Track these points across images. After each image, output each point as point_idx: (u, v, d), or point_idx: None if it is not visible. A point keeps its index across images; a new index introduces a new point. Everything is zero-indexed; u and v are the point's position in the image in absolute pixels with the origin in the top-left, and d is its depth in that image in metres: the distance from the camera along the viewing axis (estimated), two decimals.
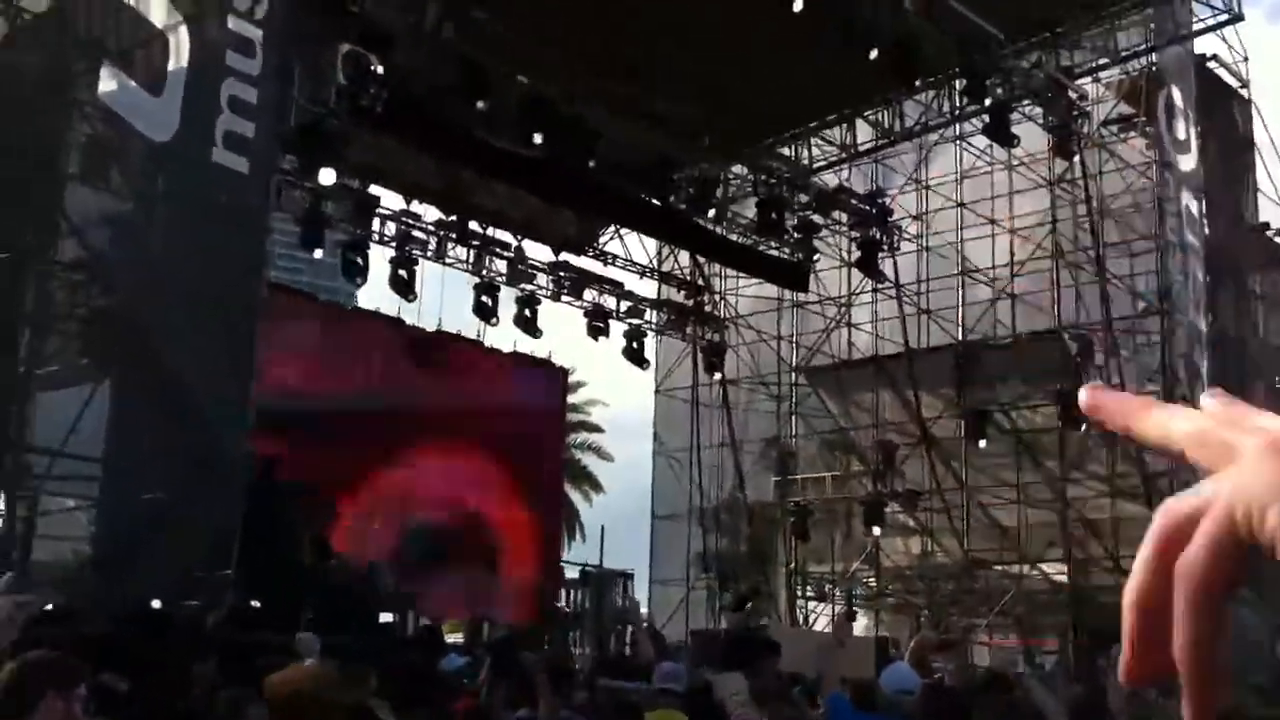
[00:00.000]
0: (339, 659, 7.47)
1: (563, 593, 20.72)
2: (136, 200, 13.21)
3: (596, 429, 37.19)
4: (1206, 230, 22.69)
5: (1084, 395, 0.73)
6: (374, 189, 22.27)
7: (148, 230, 13.02)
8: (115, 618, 9.35)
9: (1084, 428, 22.03)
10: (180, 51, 12.66)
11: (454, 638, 15.85)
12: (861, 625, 25.02)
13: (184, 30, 12.75)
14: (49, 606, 9.06)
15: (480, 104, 17.67)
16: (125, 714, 5.04)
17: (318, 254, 21.95)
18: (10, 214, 12.37)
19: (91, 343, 12.99)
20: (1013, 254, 24.41)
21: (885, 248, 24.13)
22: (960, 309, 25.22)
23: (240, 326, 12.77)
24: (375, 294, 22.93)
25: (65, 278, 13.27)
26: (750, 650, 6.67)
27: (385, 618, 12.48)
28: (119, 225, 13.17)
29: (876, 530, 24.60)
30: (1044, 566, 23.35)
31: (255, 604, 11.14)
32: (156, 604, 10.13)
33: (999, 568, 24.29)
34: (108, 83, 12.80)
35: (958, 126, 23.83)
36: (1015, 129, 20.57)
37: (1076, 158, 21.89)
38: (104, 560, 11.35)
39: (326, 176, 17.11)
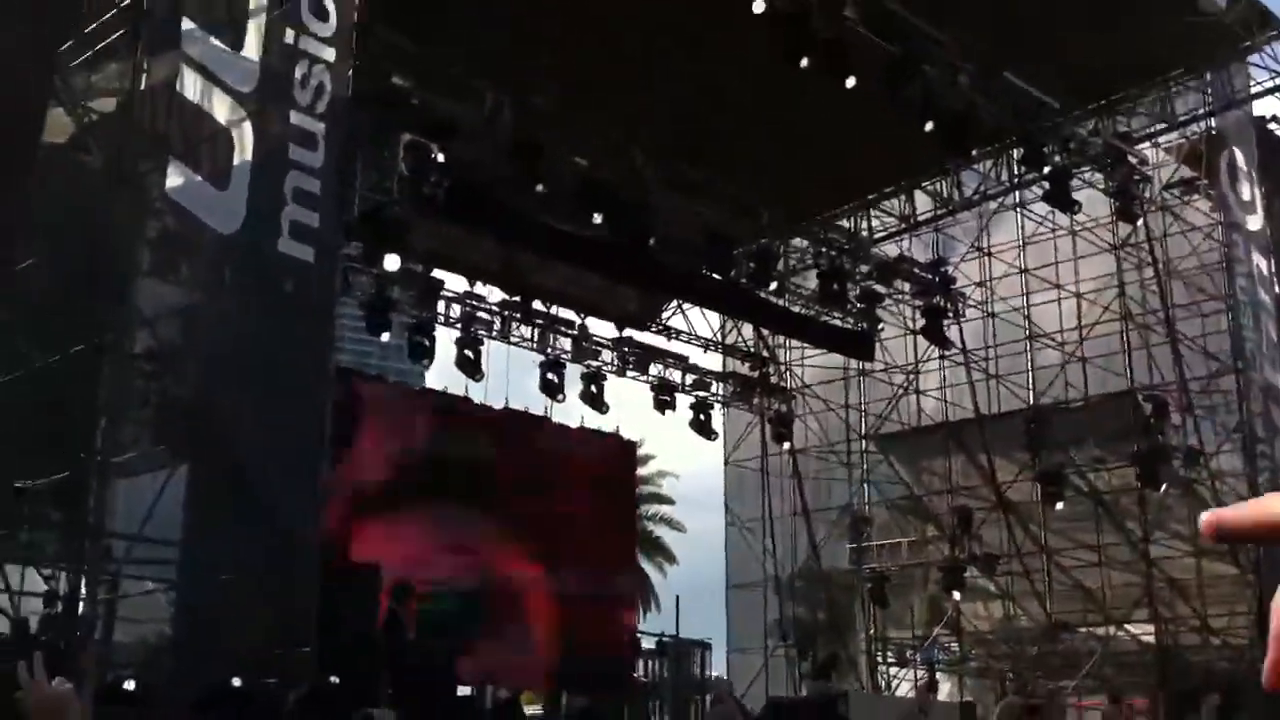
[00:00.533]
0: None
1: (640, 663, 20.62)
2: (205, 291, 13.45)
3: (667, 500, 37.28)
4: (1277, 288, 22.52)
5: (1203, 521, 0.77)
6: (438, 272, 22.63)
7: (217, 320, 13.27)
8: (198, 697, 9.49)
9: (1164, 487, 21.77)
10: (244, 146, 12.97)
11: (533, 709, 15.86)
12: (945, 691, 24.62)
13: (248, 126, 13.07)
14: (129, 686, 9.23)
15: (540, 187, 17.94)
16: None
17: (385, 337, 22.26)
18: (85, 308, 12.71)
19: (165, 430, 13.21)
20: (1080, 317, 24.27)
21: (950, 314, 24.09)
22: (1030, 373, 25.13)
23: (310, 410, 12.92)
24: (443, 375, 23.21)
25: (139, 368, 13.58)
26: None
27: (464, 691, 12.45)
28: (189, 316, 13.44)
29: (956, 595, 24.32)
30: (1130, 627, 22.93)
31: (334, 680, 11.19)
32: (237, 682, 10.23)
33: (1084, 630, 23.92)
34: (174, 178, 13.11)
35: (1017, 194, 23.89)
36: (1076, 194, 20.59)
37: (1140, 221, 21.84)
38: (183, 640, 11.48)
39: (391, 262, 17.44)
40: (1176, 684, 20.44)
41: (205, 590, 11.64)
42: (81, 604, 11.00)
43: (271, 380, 12.46)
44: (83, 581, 11.06)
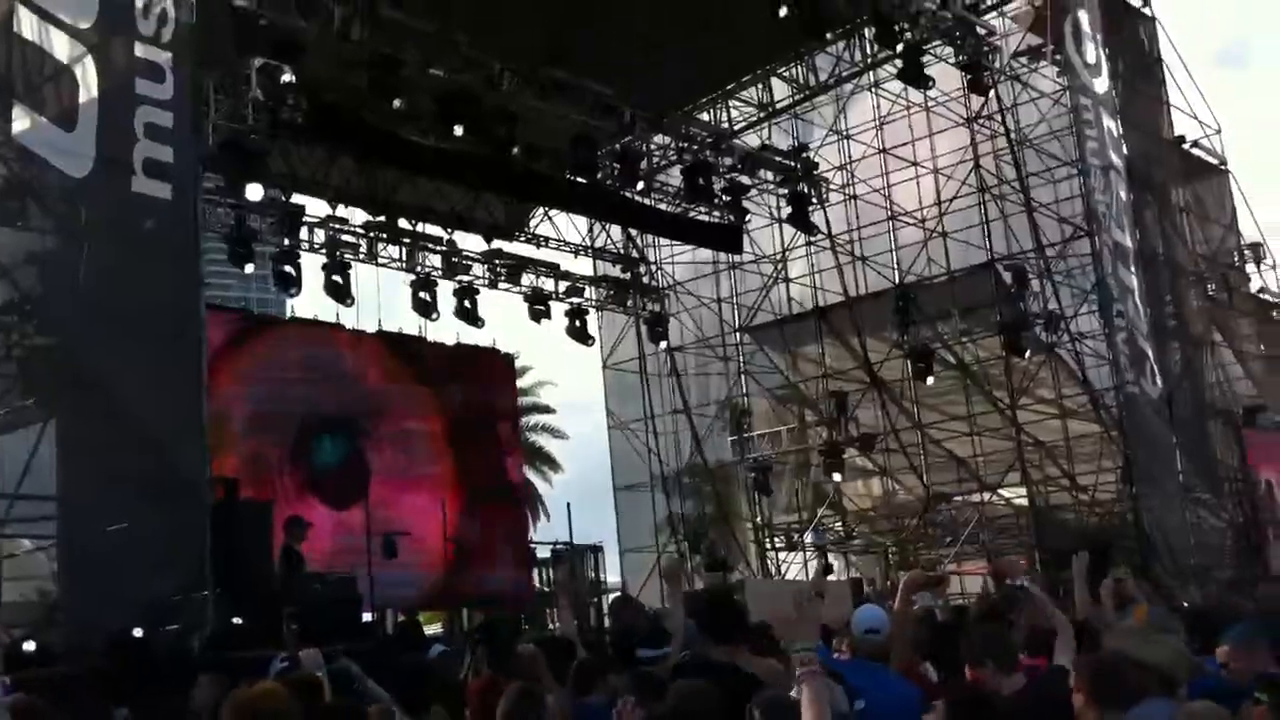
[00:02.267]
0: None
1: (535, 572, 20.79)
2: (60, 236, 13.02)
3: (548, 410, 37.45)
4: (1125, 149, 23.11)
5: None
6: (298, 198, 22.08)
7: (76, 265, 12.86)
8: (100, 651, 9.37)
9: (1027, 354, 22.47)
10: (89, 83, 12.49)
11: (433, 629, 15.97)
12: (834, 567, 25.41)
13: (89, 61, 12.57)
14: (29, 647, 9.07)
15: (397, 102, 17.60)
16: None
17: (249, 269, 21.71)
18: None
19: (33, 383, 12.84)
20: (939, 193, 24.72)
21: (814, 201, 24.37)
22: (894, 252, 25.56)
23: (183, 351, 12.66)
24: (312, 303, 22.80)
25: None
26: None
27: (366, 618, 12.49)
28: (45, 263, 13.00)
29: (837, 476, 25.02)
30: (1003, 492, 23.81)
31: (237, 621, 11.12)
32: (138, 632, 10.11)
33: (960, 499, 24.73)
34: (19, 121, 12.62)
35: (872, 74, 24.13)
36: (929, 70, 20.84)
37: (991, 92, 22.21)
38: (74, 595, 11.28)
39: (254, 192, 17.00)
40: (1050, 543, 21.25)
41: (92, 543, 11.41)
42: None
43: (141, 323, 12.16)
44: None
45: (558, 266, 25.99)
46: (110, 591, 10.95)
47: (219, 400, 13.75)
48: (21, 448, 11.63)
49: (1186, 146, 25.60)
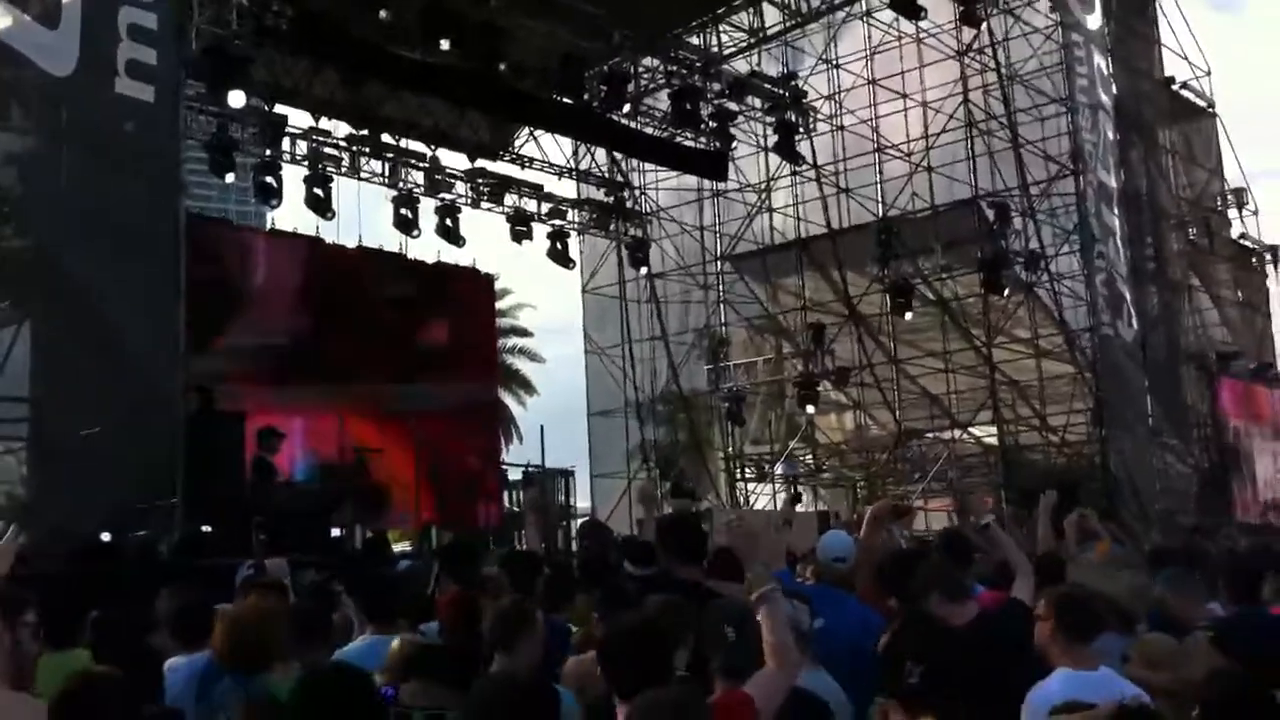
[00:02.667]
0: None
1: (505, 494, 20.89)
2: (41, 136, 12.94)
3: (525, 333, 37.45)
4: (1114, 88, 23.04)
5: None
6: (281, 108, 21.87)
7: (56, 166, 12.78)
8: (67, 555, 9.39)
9: (1006, 292, 22.52)
10: None
11: (401, 546, 16.06)
12: (802, 501, 25.61)
13: None
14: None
15: (383, 13, 17.41)
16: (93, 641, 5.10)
17: (229, 178, 21.54)
18: None
19: (8, 284, 12.79)
20: (926, 127, 24.66)
21: (801, 130, 24.23)
22: (879, 185, 25.53)
23: (162, 257, 12.64)
24: (292, 215, 22.61)
25: None
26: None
27: (334, 533, 12.59)
28: (25, 163, 12.92)
29: (810, 409, 25.08)
30: (974, 430, 23.97)
31: (206, 529, 11.18)
32: (106, 536, 10.16)
33: (931, 435, 24.90)
34: (2, 19, 12.48)
35: (864, 2, 23.93)
36: (921, 0, 20.67)
37: (983, 25, 22.06)
38: (43, 500, 11.32)
39: (236, 99, 16.76)
40: (1017, 482, 21.44)
41: (62, 446, 11.45)
42: None
43: (119, 227, 12.14)
44: None
45: (541, 188, 25.79)
46: (80, 495, 11.00)
47: (196, 308, 13.63)
48: None
49: (1176, 88, 25.56)
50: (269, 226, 22.91)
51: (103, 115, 12.59)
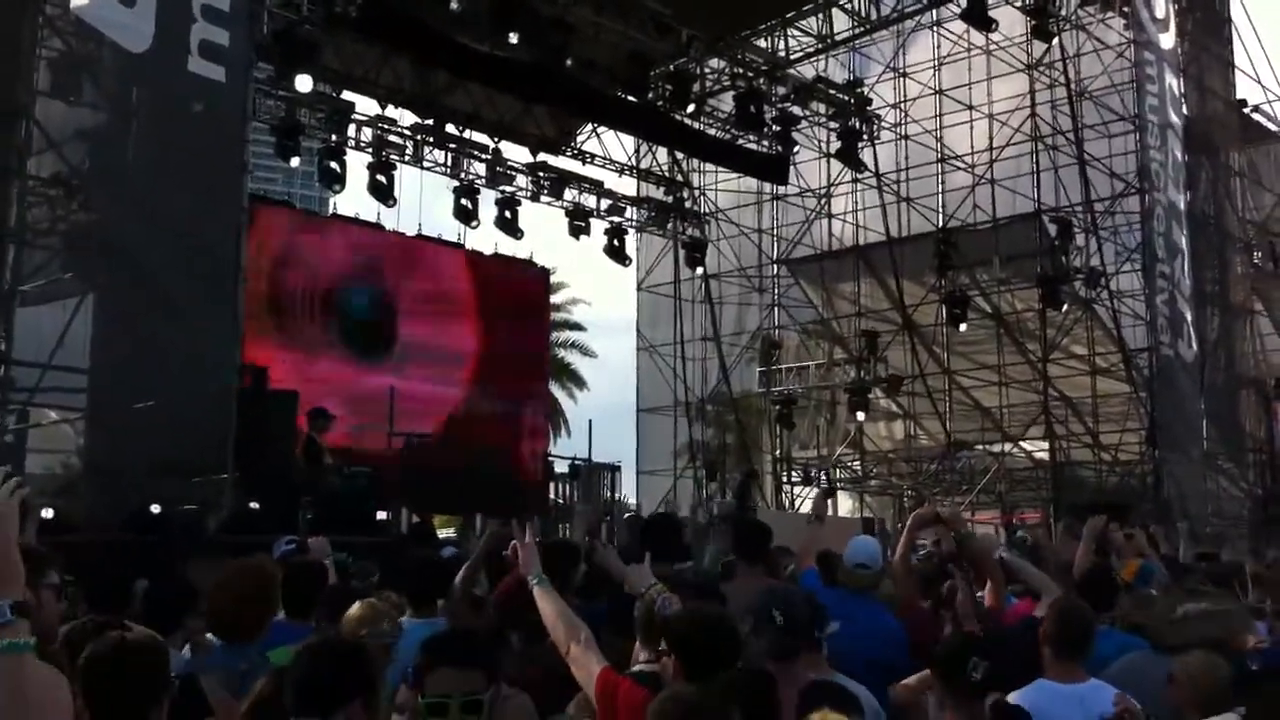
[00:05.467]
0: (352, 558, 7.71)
1: (552, 486, 20.97)
2: (113, 113, 13.14)
3: (579, 327, 37.54)
4: (1185, 108, 22.77)
5: None
6: (348, 95, 22.08)
7: (125, 143, 12.98)
8: (117, 523, 9.58)
9: (1064, 308, 22.32)
10: None
11: (446, 533, 16.17)
12: (847, 507, 25.51)
13: None
14: (47, 514, 9.26)
15: (454, 4, 17.54)
16: (139, 612, 5.15)
17: (294, 162, 21.80)
18: None
19: (74, 257, 13.01)
20: (991, 139, 24.46)
21: (865, 137, 24.19)
22: (940, 195, 25.40)
23: (223, 236, 12.79)
24: (354, 201, 22.87)
25: (45, 193, 13.27)
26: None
27: (380, 515, 12.69)
28: (96, 139, 13.13)
29: (860, 416, 25.02)
30: (1025, 444, 23.79)
31: (255, 506, 11.33)
32: (156, 508, 10.31)
33: (980, 448, 24.72)
34: None
35: (935, 12, 23.80)
36: (993, 12, 20.57)
37: (1055, 40, 21.90)
38: (97, 469, 11.50)
39: (303, 83, 16.98)
40: (1067, 499, 21.24)
41: (118, 419, 11.63)
42: None
43: (183, 205, 12.29)
44: None
45: (601, 184, 25.91)
46: (132, 467, 11.17)
47: (256, 287, 13.85)
48: (57, 320, 11.82)
49: (1248, 110, 25.20)
50: (331, 211, 23.10)
51: (174, 94, 12.76)
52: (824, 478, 25.20)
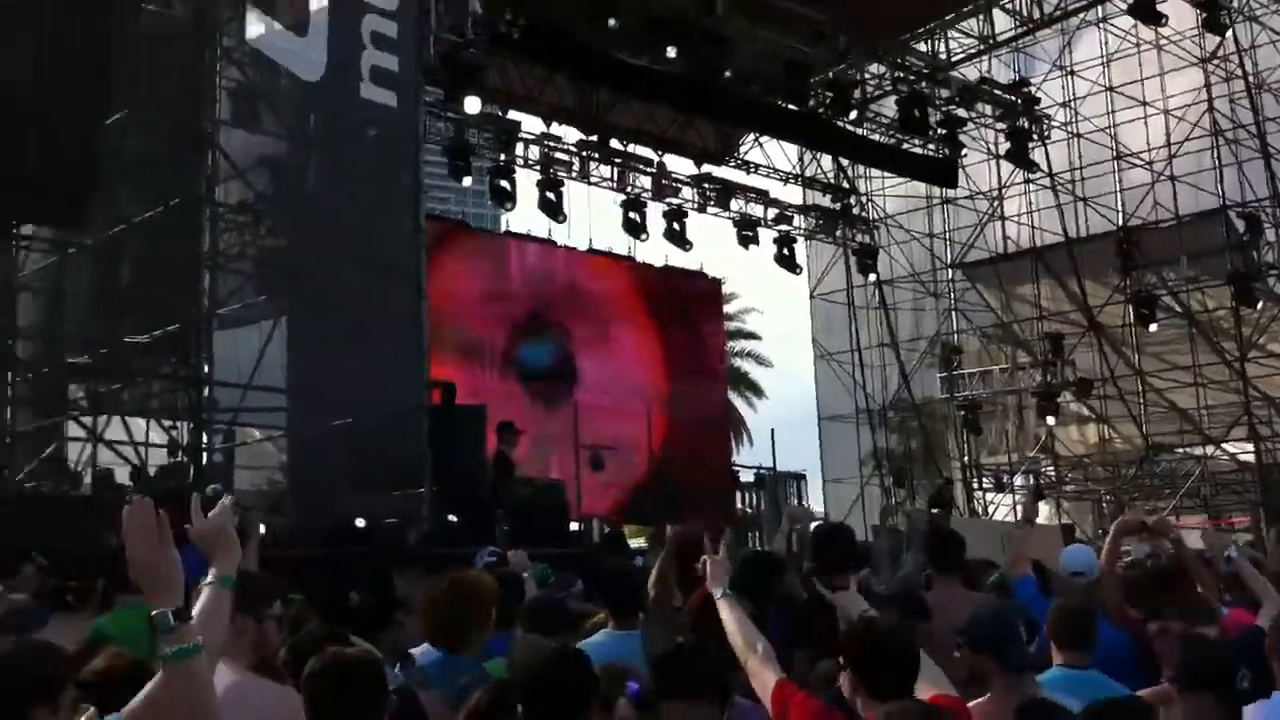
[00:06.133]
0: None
1: (738, 495, 20.86)
2: (292, 140, 13.45)
3: (753, 336, 37.30)
4: None
5: None
6: (514, 114, 22.31)
7: (305, 169, 13.25)
8: (325, 539, 9.67)
9: (1259, 305, 21.45)
10: None
11: (637, 542, 16.10)
12: (1044, 514, 24.74)
13: None
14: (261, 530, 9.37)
15: (612, 21, 17.59)
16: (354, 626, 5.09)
17: (466, 182, 22.19)
18: (178, 162, 12.68)
19: (264, 281, 13.31)
20: (1169, 135, 23.69)
21: (1034, 137, 23.51)
22: (1118, 194, 24.64)
23: (403, 256, 12.92)
24: (524, 217, 23.13)
25: (234, 219, 13.60)
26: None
27: (572, 526, 12.66)
28: (277, 166, 13.45)
29: (1051, 420, 24.37)
30: (1227, 446, 22.87)
31: (453, 519, 11.37)
32: (360, 523, 10.40)
33: (1181, 451, 23.83)
34: (254, 27, 13.00)
35: (1100, 8, 23.10)
36: (1161, 6, 19.87)
37: (1228, 32, 21.20)
38: (301, 485, 11.67)
39: (472, 105, 17.23)
40: (1276, 501, 20.42)
41: (317, 436, 11.81)
42: (205, 453, 11.17)
43: (363, 227, 12.47)
44: (202, 432, 11.22)
45: (767, 193, 25.71)
46: (335, 483, 11.32)
47: (437, 304, 13.99)
48: (253, 341, 12.07)
49: None
50: (504, 229, 23.48)
51: (348, 120, 12.99)
52: (1033, 480, 24.46)
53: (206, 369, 11.57)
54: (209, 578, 2.93)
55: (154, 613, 2.43)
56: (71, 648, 4.05)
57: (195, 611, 2.68)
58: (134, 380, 12.97)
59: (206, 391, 11.55)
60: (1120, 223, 24.04)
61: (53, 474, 12.59)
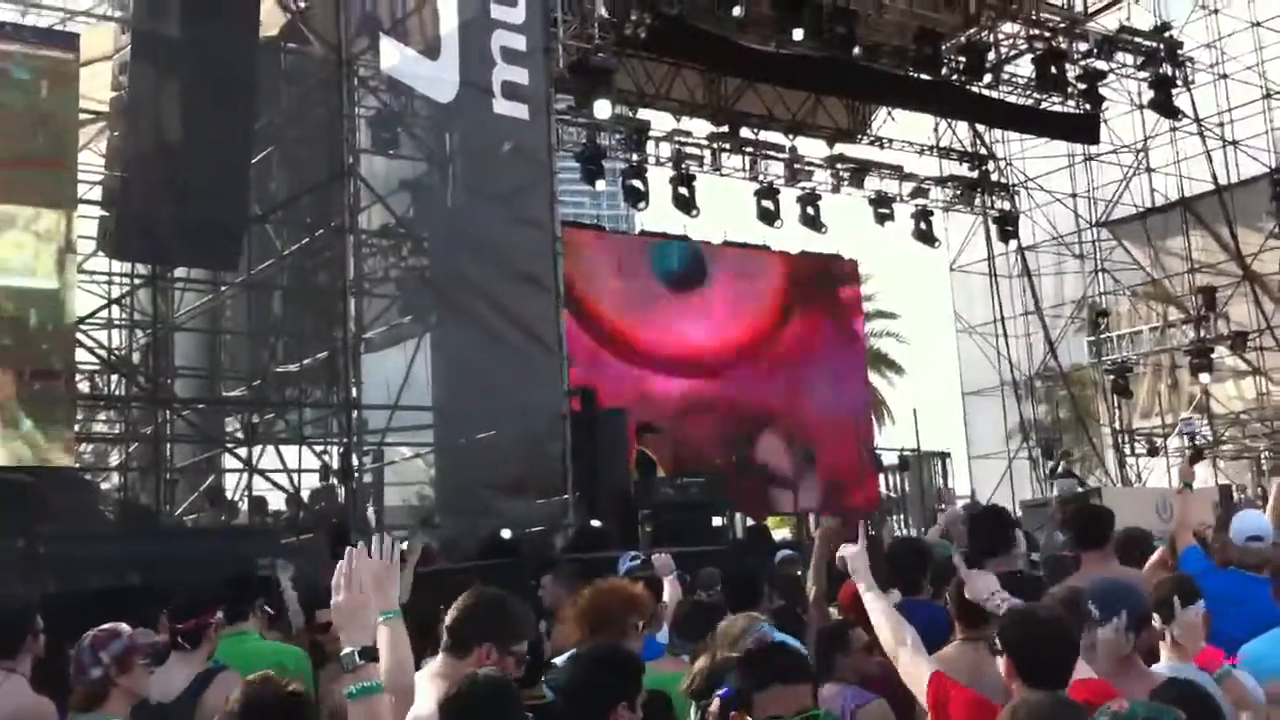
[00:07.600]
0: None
1: (881, 478, 20.81)
2: (429, 162, 13.93)
3: (891, 315, 37.06)
4: None
5: None
6: (644, 113, 22.58)
7: (444, 188, 13.70)
8: (475, 552, 10.09)
9: None
10: (448, 13, 13.20)
11: (781, 534, 16.29)
12: (1200, 476, 24.00)
13: None
14: (402, 547, 9.85)
15: (737, 9, 17.69)
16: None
17: (599, 185, 22.52)
18: (320, 192, 13.30)
19: (409, 301, 13.86)
20: None
21: (1178, 83, 22.80)
22: (1269, 134, 23.75)
23: (540, 266, 13.27)
24: (658, 215, 23.37)
25: (377, 244, 14.21)
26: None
27: (716, 521, 12.86)
28: (416, 188, 13.95)
29: (1205, 378, 23.60)
30: None
31: (597, 524, 11.72)
32: (506, 533, 10.81)
33: None
34: (389, 55, 13.50)
35: None
36: None
37: None
38: (449, 501, 12.16)
39: (602, 109, 17.48)
40: None
41: (462, 450, 12.29)
42: (356, 475, 11.71)
43: (502, 240, 12.87)
44: (353, 454, 11.76)
45: (901, 168, 25.49)
46: (481, 495, 11.77)
47: (574, 313, 14.37)
48: (398, 362, 12.62)
49: None
50: (639, 229, 23.77)
51: (483, 137, 13.37)
52: (1190, 439, 23.82)
53: (356, 393, 12.08)
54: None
55: (343, 652, 2.74)
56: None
57: (381, 650, 2.94)
58: (286, 409, 13.64)
59: (356, 414, 12.07)
60: (1273, 164, 23.18)
61: (211, 506, 13.34)
